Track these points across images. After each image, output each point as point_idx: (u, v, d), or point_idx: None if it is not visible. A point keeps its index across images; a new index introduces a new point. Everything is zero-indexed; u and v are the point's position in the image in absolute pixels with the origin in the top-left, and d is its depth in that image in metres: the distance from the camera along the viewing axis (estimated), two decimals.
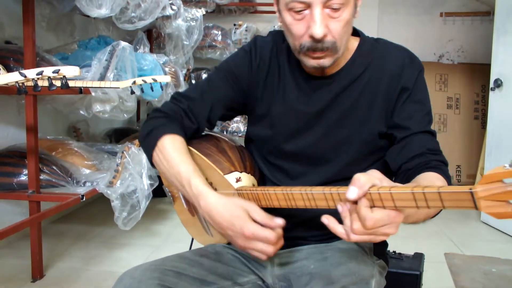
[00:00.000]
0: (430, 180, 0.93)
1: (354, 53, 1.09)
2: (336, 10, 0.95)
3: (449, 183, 0.96)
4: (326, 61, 1.00)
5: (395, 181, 1.04)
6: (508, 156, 3.17)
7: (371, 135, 1.08)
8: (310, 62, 1.00)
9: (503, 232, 3.16)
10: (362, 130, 1.07)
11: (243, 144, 1.25)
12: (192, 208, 1.20)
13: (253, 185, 1.08)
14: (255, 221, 0.90)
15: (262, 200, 0.97)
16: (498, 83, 3.27)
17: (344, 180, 1.09)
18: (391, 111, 1.06)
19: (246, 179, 1.07)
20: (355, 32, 1.12)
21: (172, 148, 1.03)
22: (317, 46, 0.97)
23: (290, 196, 0.90)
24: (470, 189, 0.62)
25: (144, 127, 1.11)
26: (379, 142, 1.09)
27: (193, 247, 1.21)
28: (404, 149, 1.04)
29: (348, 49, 1.08)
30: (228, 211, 0.91)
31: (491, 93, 3.38)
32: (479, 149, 4.04)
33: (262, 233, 0.88)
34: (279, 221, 0.90)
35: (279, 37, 1.16)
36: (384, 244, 1.19)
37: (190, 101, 1.13)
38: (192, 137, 1.14)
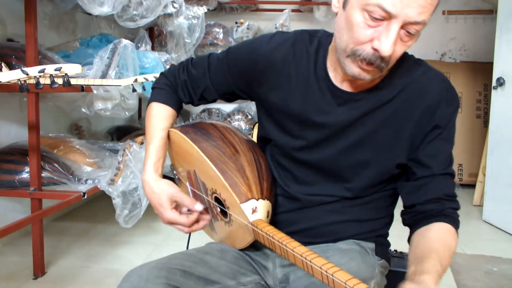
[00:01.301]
0: (447, 242, 0.94)
1: (391, 72, 1.01)
2: (409, 35, 0.88)
3: (458, 229, 0.99)
4: (368, 76, 0.93)
5: (404, 215, 1.06)
6: (510, 155, 3.16)
7: (390, 164, 1.04)
8: (353, 69, 0.92)
9: (505, 232, 3.16)
10: (382, 157, 1.03)
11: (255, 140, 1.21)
12: (198, 200, 1.18)
13: (268, 212, 1.03)
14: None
15: (277, 249, 0.92)
16: (501, 82, 3.26)
17: (354, 199, 1.08)
18: (417, 145, 1.02)
19: (262, 209, 1.01)
20: None
21: (157, 114, 1.18)
22: (375, 61, 0.89)
23: (309, 266, 0.84)
24: None
25: (155, 82, 1.25)
26: (395, 171, 1.05)
27: (191, 246, 1.21)
28: (421, 190, 1.02)
29: None
30: (156, 196, 1.08)
31: (493, 92, 3.37)
32: (481, 148, 4.03)
33: (179, 221, 1.07)
34: (199, 208, 1.07)
35: (304, 38, 1.07)
36: (386, 244, 1.18)
37: (189, 77, 1.19)
38: (205, 135, 1.12)
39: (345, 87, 1.02)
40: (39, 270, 2.22)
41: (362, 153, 1.03)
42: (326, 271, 0.79)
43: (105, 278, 2.23)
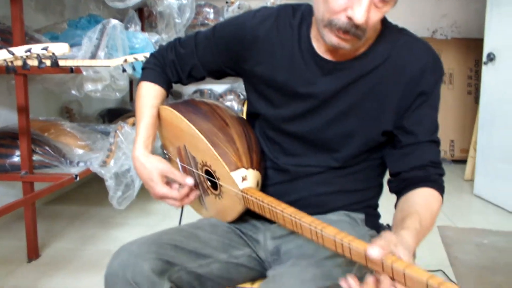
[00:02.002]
0: (429, 204, 0.95)
1: (375, 41, 1.02)
2: (383, 2, 0.89)
3: (443, 194, 1.00)
4: (347, 45, 0.94)
5: (390, 183, 1.07)
6: (500, 130, 3.19)
7: (376, 132, 1.05)
8: (332, 39, 0.93)
9: (495, 205, 3.20)
10: (368, 126, 1.04)
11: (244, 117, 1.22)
12: (189, 175, 1.19)
13: (258, 182, 1.05)
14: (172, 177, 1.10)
15: (267, 213, 0.95)
16: (491, 57, 3.26)
17: (342, 169, 1.09)
18: (403, 113, 1.02)
19: (252, 177, 1.03)
20: None
21: (147, 93, 1.19)
22: (350, 29, 0.90)
23: (298, 224, 0.86)
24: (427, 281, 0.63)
25: (145, 62, 1.26)
26: (381, 139, 1.06)
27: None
28: (406, 157, 1.03)
29: (369, 34, 0.99)
30: (146, 172, 1.10)
31: (484, 67, 3.38)
32: (472, 124, 4.06)
33: (170, 195, 1.09)
34: (189, 181, 1.08)
35: (287, 12, 1.09)
36: (376, 215, 1.20)
37: (177, 56, 1.20)
38: (199, 112, 1.13)
39: (329, 56, 1.03)
40: (33, 253, 2.22)
41: (347, 123, 1.04)
42: (315, 228, 0.82)
43: (100, 260, 2.24)
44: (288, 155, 1.11)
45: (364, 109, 1.03)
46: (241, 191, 1.00)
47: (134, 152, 1.12)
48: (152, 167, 1.09)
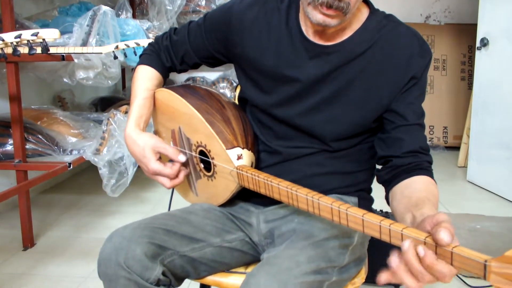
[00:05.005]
0: (433, 192, 0.93)
1: (361, 26, 1.03)
2: None
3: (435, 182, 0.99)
4: (333, 22, 0.95)
5: (380, 171, 1.05)
6: (494, 116, 3.20)
7: (362, 119, 1.05)
8: (317, 17, 0.95)
9: (488, 191, 3.22)
10: (353, 112, 1.04)
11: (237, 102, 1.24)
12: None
13: (252, 163, 1.06)
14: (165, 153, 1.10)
15: (262, 188, 0.96)
16: (484, 42, 3.26)
17: (333, 152, 1.09)
18: (393, 99, 1.02)
19: (247, 157, 1.04)
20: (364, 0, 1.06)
21: (142, 75, 1.22)
22: (333, 2, 0.92)
23: (294, 196, 0.87)
24: (485, 261, 0.61)
25: (143, 49, 1.30)
26: (371, 125, 1.06)
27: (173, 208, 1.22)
28: (397, 142, 1.02)
29: (356, 18, 1.03)
30: (138, 149, 1.10)
31: (477, 53, 3.38)
32: (465, 110, 4.07)
33: (163, 172, 1.08)
34: (182, 158, 1.10)
35: None
36: (369, 199, 1.20)
37: (171, 42, 1.24)
38: (194, 93, 1.16)
39: (316, 39, 1.04)
40: (28, 241, 2.23)
41: (333, 109, 1.05)
42: (311, 197, 0.84)
43: (95, 248, 2.24)
44: (280, 138, 1.12)
45: (349, 96, 1.03)
46: (236, 168, 1.02)
47: (126, 130, 1.14)
48: (144, 143, 1.10)
